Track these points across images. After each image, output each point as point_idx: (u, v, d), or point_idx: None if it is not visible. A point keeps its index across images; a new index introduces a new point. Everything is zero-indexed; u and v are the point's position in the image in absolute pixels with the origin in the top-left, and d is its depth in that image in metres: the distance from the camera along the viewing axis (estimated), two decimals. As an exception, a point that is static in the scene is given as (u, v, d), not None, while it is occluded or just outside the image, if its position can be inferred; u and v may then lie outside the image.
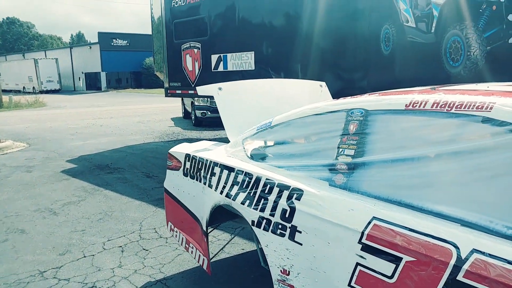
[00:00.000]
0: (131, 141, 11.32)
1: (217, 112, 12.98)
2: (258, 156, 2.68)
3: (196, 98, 13.64)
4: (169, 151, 3.49)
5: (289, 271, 2.18)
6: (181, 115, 17.32)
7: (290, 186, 2.20)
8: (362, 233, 1.78)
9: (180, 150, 3.38)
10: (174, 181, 3.39)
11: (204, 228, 2.92)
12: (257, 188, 2.40)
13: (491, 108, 1.61)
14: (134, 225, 4.87)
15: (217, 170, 2.81)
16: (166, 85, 10.76)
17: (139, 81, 48.66)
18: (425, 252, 1.56)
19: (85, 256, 4.06)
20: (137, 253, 4.08)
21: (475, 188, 1.60)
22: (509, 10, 5.32)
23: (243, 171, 2.56)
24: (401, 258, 1.63)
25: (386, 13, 6.32)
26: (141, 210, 5.42)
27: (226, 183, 2.68)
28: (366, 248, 1.77)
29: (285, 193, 2.20)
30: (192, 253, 3.23)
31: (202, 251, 3.02)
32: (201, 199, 3.00)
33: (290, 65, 7.45)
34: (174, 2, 10.07)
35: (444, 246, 1.51)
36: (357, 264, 1.81)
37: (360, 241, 1.79)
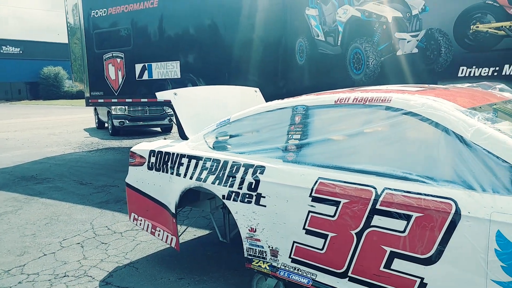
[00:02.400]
0: (49, 152, 11.08)
1: (136, 120, 13.42)
2: (220, 147, 3.35)
3: (114, 107, 13.64)
4: (131, 149, 3.99)
5: (255, 229, 2.89)
6: (94, 125, 17.02)
7: (254, 164, 2.91)
8: (312, 189, 2.57)
9: (142, 148, 3.90)
10: (138, 176, 3.89)
11: (173, 211, 3.49)
12: (225, 170, 3.07)
13: (390, 100, 2.49)
14: (85, 225, 5.17)
15: (184, 160, 3.41)
16: (87, 94, 10.77)
17: (36, 91, 45.46)
18: (356, 194, 2.38)
19: (45, 254, 4.32)
20: (97, 247, 4.46)
21: (382, 152, 2.48)
22: (396, 29, 6.63)
23: (211, 158, 3.22)
24: (340, 202, 2.44)
25: (300, 28, 7.36)
26: (87, 213, 5.69)
27: (195, 169, 3.30)
28: (315, 199, 2.55)
29: (250, 170, 2.91)
30: (159, 235, 3.76)
31: (171, 231, 3.59)
32: (168, 187, 3.56)
33: (217, 74, 8.14)
34: (94, 12, 10.18)
35: (367, 189, 2.35)
36: (309, 212, 2.58)
37: (310, 195, 2.57)
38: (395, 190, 2.26)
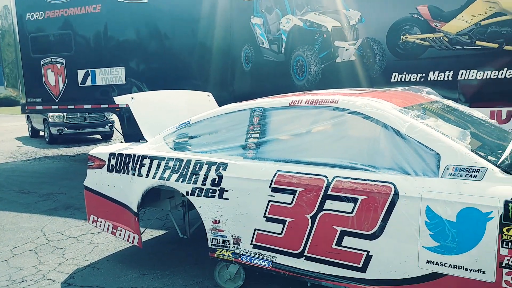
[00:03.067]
0: (-23, 164, 10.48)
1: (76, 128, 13.09)
2: (180, 148, 3.56)
3: (51, 115, 13.13)
4: (89, 153, 4.07)
5: (219, 220, 3.14)
6: (27, 134, 16.20)
7: (216, 162, 3.17)
8: (271, 181, 2.87)
9: (101, 151, 4.00)
10: (97, 178, 3.98)
11: (136, 210, 3.64)
12: (188, 168, 3.29)
13: (337, 101, 2.86)
14: (35, 232, 5.09)
15: (146, 161, 3.58)
16: (23, 101, 10.33)
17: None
18: (310, 183, 2.72)
19: (-3, 263, 4.24)
20: (53, 252, 4.44)
21: (331, 146, 2.84)
22: (335, 38, 7.18)
23: (173, 158, 3.42)
24: (296, 190, 2.76)
25: (245, 35, 7.71)
26: (35, 220, 5.58)
27: (157, 169, 3.48)
28: (274, 190, 2.86)
29: (213, 167, 3.16)
30: (120, 235, 3.88)
31: (133, 229, 3.72)
32: (129, 187, 3.70)
33: (164, 80, 8.25)
34: (29, 15, 9.82)
35: (320, 178, 2.70)
36: (269, 201, 2.89)
37: (270, 186, 2.87)
38: (343, 177, 2.63)
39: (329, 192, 2.65)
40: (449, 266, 2.32)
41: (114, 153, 3.85)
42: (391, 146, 2.58)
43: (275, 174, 2.88)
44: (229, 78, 7.88)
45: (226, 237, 3.13)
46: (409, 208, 2.39)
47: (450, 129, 2.70)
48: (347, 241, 2.62)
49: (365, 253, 2.57)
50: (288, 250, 2.87)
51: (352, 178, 2.60)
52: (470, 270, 2.26)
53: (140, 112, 4.19)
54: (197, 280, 3.55)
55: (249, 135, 3.16)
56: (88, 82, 9.35)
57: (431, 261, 2.36)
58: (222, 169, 3.12)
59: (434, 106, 3.19)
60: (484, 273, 2.22)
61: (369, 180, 2.54)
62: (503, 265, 2.16)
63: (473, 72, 6.43)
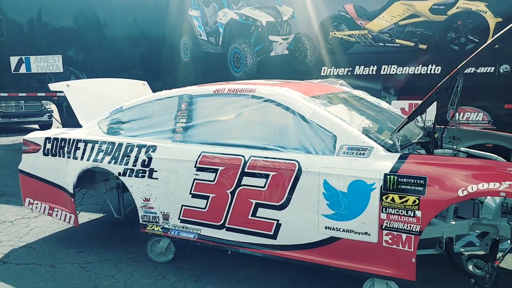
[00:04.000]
0: None
1: (10, 117, 12.66)
2: (113, 132, 3.77)
3: (-19, 104, 12.55)
4: (24, 138, 4.16)
5: (149, 198, 3.40)
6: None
7: (146, 145, 3.42)
8: (196, 161, 3.18)
9: (36, 135, 4.11)
10: (32, 162, 4.09)
11: (71, 191, 3.80)
12: (120, 150, 3.52)
13: (255, 90, 3.22)
14: (-33, 219, 5.06)
15: (81, 145, 3.76)
16: None
17: None
18: (230, 162, 3.06)
19: None
20: (-14, 236, 4.48)
21: (249, 130, 3.20)
22: (269, 32, 7.55)
23: (106, 142, 3.63)
24: (218, 169, 3.10)
25: (183, 27, 7.91)
26: (-35, 208, 5.51)
27: (91, 152, 3.67)
28: (199, 169, 3.17)
29: (143, 150, 3.41)
30: (57, 216, 4.02)
31: (69, 210, 3.89)
32: (65, 170, 3.86)
33: (103, 68, 8.25)
34: None
35: (238, 158, 3.05)
36: (194, 179, 3.20)
37: (195, 166, 3.18)
38: (258, 157, 2.99)
39: (245, 170, 3.01)
40: (343, 231, 2.75)
41: (50, 138, 3.97)
42: (298, 129, 2.97)
43: (200, 155, 3.20)
44: (168, 68, 8.05)
45: (155, 213, 3.41)
46: (310, 182, 2.80)
47: (349, 114, 3.14)
48: (261, 212, 3.00)
49: (275, 222, 2.96)
50: (211, 223, 3.20)
51: (264, 157, 2.97)
52: (359, 233, 2.70)
53: (75, 99, 4.33)
54: (131, 255, 3.80)
55: (177, 120, 3.44)
56: (22, 70, 9.10)
57: (328, 227, 2.79)
58: (151, 151, 3.38)
59: (340, 96, 3.63)
60: (370, 235, 2.67)
61: (278, 158, 2.93)
62: (383, 227, 2.62)
63: (394, 68, 7.07)
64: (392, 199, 2.56)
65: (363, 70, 7.19)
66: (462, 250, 3.02)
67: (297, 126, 2.99)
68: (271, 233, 2.99)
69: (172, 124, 3.46)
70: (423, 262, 3.42)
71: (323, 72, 7.38)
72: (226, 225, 3.15)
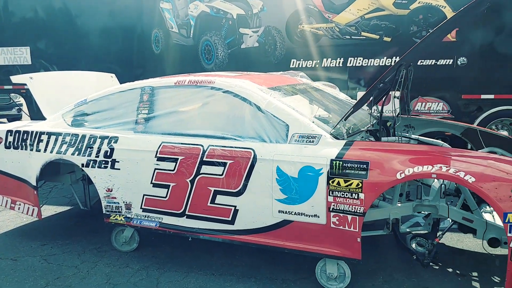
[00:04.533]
0: None
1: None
2: (77, 124, 3.83)
3: None
4: None
5: (112, 188, 3.49)
6: None
7: (108, 136, 3.50)
8: (157, 151, 3.29)
9: (-2, 128, 4.14)
10: (-6, 155, 4.11)
11: (34, 184, 3.85)
12: (83, 142, 3.59)
13: (214, 82, 3.34)
14: None
15: (44, 137, 3.80)
16: None
17: None
18: (189, 152, 3.18)
19: None
20: None
21: (208, 120, 3.32)
22: (240, 25, 7.65)
23: (69, 133, 3.69)
24: (178, 158, 3.21)
25: (155, 19, 7.93)
26: None
27: (55, 144, 3.73)
28: (159, 159, 3.28)
29: (106, 141, 3.49)
30: (19, 209, 4.06)
31: (32, 203, 3.93)
32: (28, 162, 3.90)
33: (73, 60, 8.19)
34: None
35: (197, 147, 3.17)
36: (155, 169, 3.30)
37: (156, 156, 3.29)
38: (216, 146, 3.12)
39: (204, 159, 3.13)
40: (295, 214, 2.91)
41: (12, 130, 4.00)
42: (254, 119, 3.10)
43: (160, 145, 3.30)
44: (140, 61, 8.07)
45: (118, 203, 3.51)
46: (264, 169, 2.94)
47: (304, 105, 3.29)
48: (219, 199, 3.13)
49: (233, 208, 3.09)
50: (172, 211, 3.32)
51: (222, 146, 3.10)
52: (309, 216, 2.86)
53: (39, 91, 4.36)
54: (96, 246, 3.88)
55: (139, 111, 3.53)
56: (-13, 61, 8.93)
57: (282, 211, 2.94)
58: (113, 142, 3.47)
59: (298, 87, 3.78)
60: (319, 217, 2.84)
61: (235, 147, 3.06)
62: (331, 209, 2.79)
63: (360, 60, 7.27)
64: (338, 183, 2.73)
65: (331, 63, 7.38)
66: (408, 230, 3.22)
67: (253, 116, 3.12)
68: (229, 219, 3.13)
69: (134, 116, 3.55)
70: (375, 244, 3.64)
71: (293, 65, 7.53)
72: (187, 212, 3.27)
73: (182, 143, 3.25)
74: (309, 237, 2.92)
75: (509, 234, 2.39)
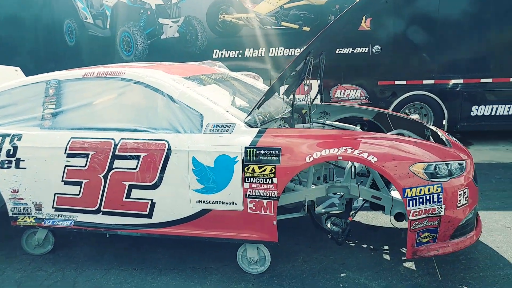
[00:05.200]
0: None
1: None
2: (-24, 122, 3.52)
3: None
4: None
5: (18, 190, 3.26)
6: None
7: (11, 134, 3.26)
8: (66, 147, 3.12)
9: None
10: None
11: None
12: (-18, 141, 3.31)
13: (124, 73, 3.22)
14: None
15: None
16: None
17: None
18: (100, 146, 3.06)
19: None
20: None
21: (120, 113, 3.21)
22: (159, 15, 7.45)
23: (-34, 133, 3.38)
24: (89, 154, 3.07)
25: (66, 9, 7.48)
26: None
27: (-50, 145, 3.39)
28: (69, 155, 3.12)
29: (7, 139, 3.25)
30: None
31: None
32: None
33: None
34: None
35: (108, 141, 3.05)
36: (65, 166, 3.14)
37: (65, 152, 3.12)
38: (128, 139, 3.02)
39: (116, 153, 3.03)
40: (212, 203, 2.91)
41: None
42: (167, 110, 3.05)
43: (69, 141, 3.14)
44: (52, 54, 7.59)
45: (27, 204, 3.29)
46: (179, 160, 2.91)
47: (219, 94, 3.29)
48: (135, 193, 3.04)
49: (149, 202, 3.03)
50: (87, 208, 3.18)
51: (135, 139, 3.01)
52: (227, 203, 2.89)
53: None
54: (3, 252, 3.61)
55: (45, 106, 3.32)
56: None
57: (199, 201, 2.93)
58: (17, 140, 3.23)
59: (214, 77, 3.77)
60: (236, 204, 2.87)
61: (148, 139, 2.99)
62: (247, 195, 2.83)
63: (281, 49, 7.42)
64: (253, 170, 2.77)
65: (253, 53, 7.45)
66: (324, 210, 3.36)
67: (166, 107, 3.06)
68: (147, 212, 3.06)
69: (40, 111, 3.33)
70: (294, 226, 3.76)
71: (215, 55, 7.51)
72: (102, 209, 3.14)
73: (92, 138, 3.11)
74: (228, 225, 2.95)
75: (407, 208, 2.58)
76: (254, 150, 2.78)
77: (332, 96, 7.30)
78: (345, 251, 3.42)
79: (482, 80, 6.91)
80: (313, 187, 3.18)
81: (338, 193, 3.40)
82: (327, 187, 3.15)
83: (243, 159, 2.80)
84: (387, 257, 3.32)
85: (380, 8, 6.36)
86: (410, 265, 3.13)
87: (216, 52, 7.50)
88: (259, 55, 7.43)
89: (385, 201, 3.06)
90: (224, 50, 7.50)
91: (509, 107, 6.96)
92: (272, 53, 7.41)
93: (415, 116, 7.15)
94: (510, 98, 6.90)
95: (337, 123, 3.97)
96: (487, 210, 4.15)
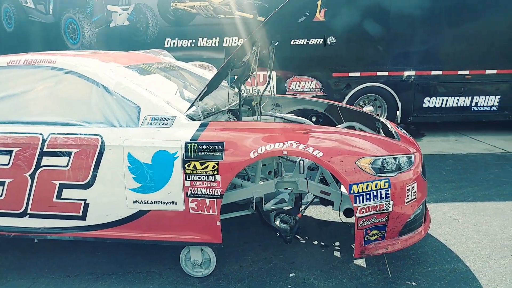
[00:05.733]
0: None
1: None
2: None
3: None
4: None
5: None
6: None
7: None
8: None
9: None
10: None
11: None
12: None
13: (55, 61, 2.92)
14: None
15: None
16: None
17: None
18: (26, 142, 2.76)
19: None
20: None
21: (50, 105, 2.91)
22: (107, 2, 7.04)
23: None
24: (12, 150, 2.77)
25: (4, -7, 6.92)
26: None
27: None
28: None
29: None
30: None
31: None
32: None
33: None
34: None
35: (35, 136, 2.76)
36: (-14, 164, 2.81)
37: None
38: (58, 134, 2.74)
39: (45, 149, 2.74)
40: (151, 203, 2.70)
41: None
42: (102, 102, 2.79)
43: (-11, 136, 2.82)
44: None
45: None
46: (114, 156, 2.67)
47: (161, 84, 3.06)
48: (66, 193, 2.77)
49: (83, 202, 2.77)
50: (11, 211, 2.87)
51: (66, 134, 2.74)
52: (167, 203, 2.68)
53: None
54: None
55: (-40, 98, 2.97)
56: None
57: (137, 201, 2.71)
58: None
59: (156, 66, 3.52)
60: (177, 204, 2.67)
61: (80, 134, 2.72)
62: (188, 194, 2.63)
63: (236, 39, 7.21)
64: (194, 166, 2.58)
65: (207, 42, 7.20)
66: (273, 207, 3.22)
67: (101, 98, 2.80)
68: (80, 214, 2.80)
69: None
70: (245, 223, 3.61)
71: (167, 44, 7.20)
72: (29, 211, 2.85)
73: (17, 133, 2.81)
74: (168, 226, 2.75)
75: (354, 205, 2.48)
76: (196, 145, 2.58)
77: (288, 88, 7.19)
78: (296, 248, 3.30)
79: (433, 73, 7.01)
80: (261, 183, 3.03)
81: (288, 189, 3.27)
82: (275, 182, 3.01)
83: (183, 155, 2.60)
84: (338, 254, 3.23)
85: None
86: (361, 262, 3.06)
87: (168, 41, 7.19)
88: (213, 44, 7.20)
89: (334, 197, 2.96)
90: (177, 39, 7.21)
91: (457, 99, 7.12)
92: (226, 43, 7.19)
93: (369, 108, 7.16)
94: (459, 91, 7.05)
95: (288, 115, 3.83)
96: (437, 202, 4.17)
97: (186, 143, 2.60)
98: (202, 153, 2.57)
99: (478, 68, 6.96)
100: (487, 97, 7.08)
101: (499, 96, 7.05)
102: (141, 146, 2.64)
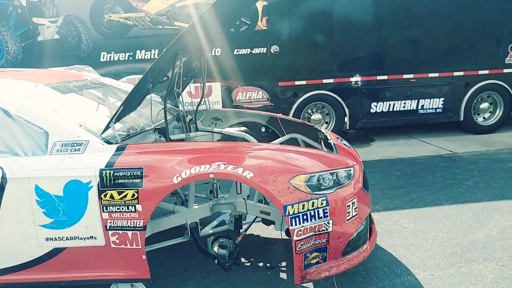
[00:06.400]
0: None
1: None
2: None
3: None
4: None
5: None
6: None
7: None
8: None
9: None
10: None
11: None
12: None
13: None
14: None
15: None
16: None
17: None
18: None
19: None
20: None
21: None
22: (32, 14, 6.56)
23: None
24: None
25: None
26: None
27: None
28: None
29: None
30: None
31: None
32: None
33: None
34: None
35: None
36: None
37: None
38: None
39: None
40: (66, 239, 2.36)
41: None
42: (2, 128, 2.43)
43: None
44: None
45: None
46: (19, 190, 2.32)
47: (77, 106, 2.74)
48: (-36, 236, 2.39)
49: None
50: None
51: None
52: (84, 239, 2.36)
53: None
54: None
55: None
56: None
57: (50, 238, 2.37)
58: None
59: (74, 84, 3.17)
60: (96, 238, 2.35)
61: (-25, 167, 2.35)
62: (108, 228, 2.33)
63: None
64: (111, 196, 2.28)
65: (145, 55, 6.87)
66: (211, 231, 2.96)
67: (1, 124, 2.44)
68: (-18, 258, 2.42)
69: None
70: (184, 249, 3.32)
71: (103, 58, 6.80)
72: None
73: None
74: (89, 263, 2.42)
75: (291, 227, 2.27)
76: (111, 172, 2.28)
77: (234, 99, 6.97)
78: (240, 272, 3.06)
79: (379, 77, 7.03)
80: (196, 207, 2.77)
81: (228, 210, 3.03)
82: (211, 205, 2.75)
83: (98, 184, 2.29)
84: (284, 275, 3.01)
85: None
86: (308, 283, 2.86)
87: (104, 55, 6.79)
88: (152, 57, 6.86)
89: (274, 216, 2.75)
90: (113, 52, 6.82)
91: (404, 103, 7.18)
92: (167, 55, 6.87)
93: (317, 116, 7.09)
94: (405, 94, 7.12)
95: (227, 130, 3.60)
96: (387, 210, 4.07)
97: (101, 170, 2.30)
98: (119, 180, 2.28)
99: (421, 72, 7.07)
100: (432, 99, 7.20)
101: (443, 98, 7.19)
102: (50, 177, 2.31)
